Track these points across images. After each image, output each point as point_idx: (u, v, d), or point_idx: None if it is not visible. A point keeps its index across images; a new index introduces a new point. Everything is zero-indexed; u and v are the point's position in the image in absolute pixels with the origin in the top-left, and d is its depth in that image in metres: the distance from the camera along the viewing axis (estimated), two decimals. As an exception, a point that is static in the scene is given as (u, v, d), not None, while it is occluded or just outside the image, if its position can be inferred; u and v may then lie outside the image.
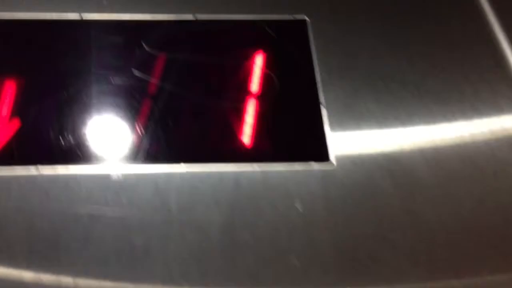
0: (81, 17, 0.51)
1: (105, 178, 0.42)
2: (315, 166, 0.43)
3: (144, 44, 0.50)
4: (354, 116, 0.46)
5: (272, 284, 0.38)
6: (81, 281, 0.37)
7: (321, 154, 0.43)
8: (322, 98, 0.47)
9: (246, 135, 0.45)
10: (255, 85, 0.49)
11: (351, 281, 0.39)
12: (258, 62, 0.50)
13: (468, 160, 0.45)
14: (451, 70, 0.51)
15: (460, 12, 0.56)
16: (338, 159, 0.43)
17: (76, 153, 0.43)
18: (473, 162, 0.45)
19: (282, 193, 0.42)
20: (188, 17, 0.52)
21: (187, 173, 0.42)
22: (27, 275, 0.37)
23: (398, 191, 0.43)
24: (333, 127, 0.45)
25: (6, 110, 0.45)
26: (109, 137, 0.44)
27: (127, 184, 0.42)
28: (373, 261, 0.40)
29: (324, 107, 0.46)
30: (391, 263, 0.40)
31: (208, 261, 0.38)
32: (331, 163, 0.43)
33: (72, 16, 0.51)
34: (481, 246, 0.41)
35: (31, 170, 0.41)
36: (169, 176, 0.42)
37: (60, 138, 0.43)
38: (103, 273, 0.37)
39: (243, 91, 0.48)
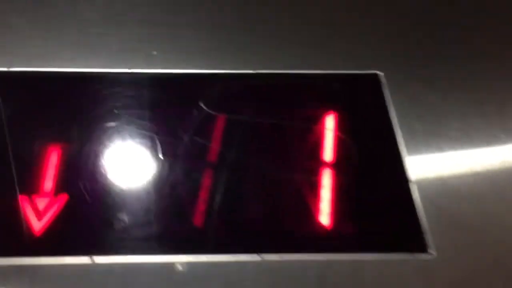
0: (130, 69, 0.46)
1: (167, 269, 0.36)
2: (411, 257, 0.36)
3: (201, 104, 0.44)
4: (447, 192, 0.40)
5: None
6: None
7: (418, 242, 0.37)
8: (408, 171, 0.41)
9: (325, 215, 0.39)
10: (328, 152, 0.43)
11: None
12: (330, 124, 0.44)
13: None
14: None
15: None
16: (439, 248, 0.37)
17: (133, 239, 0.37)
18: None
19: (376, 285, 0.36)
20: (248, 71, 0.47)
21: (262, 263, 0.36)
22: None
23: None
24: (426, 207, 0.39)
25: (50, 183, 0.40)
26: (167, 219, 0.38)
27: (193, 276, 0.36)
28: None
29: (412, 183, 0.40)
30: None
31: None
32: (431, 253, 0.37)
33: (119, 69, 0.46)
34: None
35: (84, 260, 0.36)
36: (242, 266, 0.36)
37: (114, 220, 0.38)
38: None
39: (315, 159, 0.42)
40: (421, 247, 0.37)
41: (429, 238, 0.37)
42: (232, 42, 0.49)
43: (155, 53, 0.48)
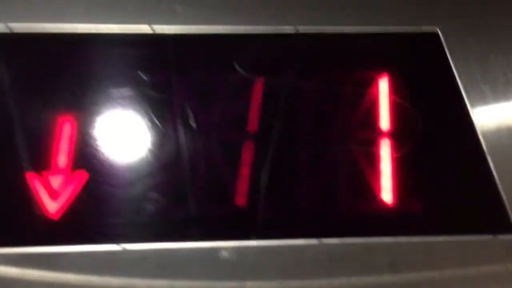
0: (153, 30, 0.40)
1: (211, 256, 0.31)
2: (494, 238, 0.31)
3: (236, 66, 0.38)
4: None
5: None
6: None
7: (501, 222, 0.32)
8: (482, 140, 0.35)
9: (387, 191, 0.34)
10: (385, 119, 0.37)
11: None
12: (384, 87, 0.39)
13: None
14: None
15: None
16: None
17: (167, 223, 0.31)
18: None
19: (454, 274, 0.30)
20: (289, 29, 0.41)
21: (321, 247, 0.31)
22: None
23: None
24: (505, 181, 0.33)
25: (65, 159, 0.34)
26: (206, 199, 0.33)
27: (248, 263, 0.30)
28: None
29: (488, 155, 0.35)
30: None
31: None
32: (516, 234, 0.32)
33: (143, 28, 0.40)
34: None
35: (113, 248, 0.30)
36: (296, 252, 0.31)
37: (144, 202, 0.32)
38: None
39: (371, 128, 0.37)
40: (505, 227, 0.31)
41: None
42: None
43: (178, 7, 0.41)
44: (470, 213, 0.33)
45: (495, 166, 0.34)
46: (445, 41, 0.41)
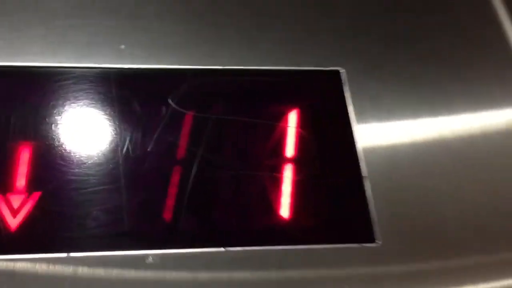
0: (98, 64, 0.47)
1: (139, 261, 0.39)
2: (360, 246, 0.41)
3: (170, 101, 0.46)
4: (397, 184, 0.44)
5: None
6: None
7: (367, 234, 0.41)
8: (362, 166, 0.44)
9: (285, 208, 0.43)
10: (290, 148, 0.46)
11: None
12: (292, 120, 0.47)
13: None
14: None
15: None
16: (385, 237, 0.41)
17: (105, 236, 0.39)
18: None
19: (328, 275, 0.40)
20: (216, 67, 0.48)
21: (227, 254, 0.40)
22: None
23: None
24: (377, 200, 0.43)
25: (23, 181, 0.42)
26: (138, 215, 0.41)
27: (163, 269, 0.39)
28: None
29: (366, 177, 0.44)
30: None
31: None
32: (378, 243, 0.41)
33: (85, 63, 0.47)
34: None
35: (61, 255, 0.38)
36: (209, 259, 0.39)
37: (87, 217, 0.40)
38: None
39: (278, 155, 0.45)
40: (369, 239, 0.41)
41: (377, 229, 0.41)
42: (201, 37, 0.50)
43: (123, 47, 0.49)
44: (346, 226, 0.42)
45: (372, 187, 0.43)
46: (346, 79, 0.50)
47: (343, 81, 0.49)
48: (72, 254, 0.38)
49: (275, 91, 0.49)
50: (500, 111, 0.50)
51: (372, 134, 0.47)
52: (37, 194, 0.41)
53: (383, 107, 0.48)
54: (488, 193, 0.45)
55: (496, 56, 0.54)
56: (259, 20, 0.52)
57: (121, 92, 0.46)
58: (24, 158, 0.42)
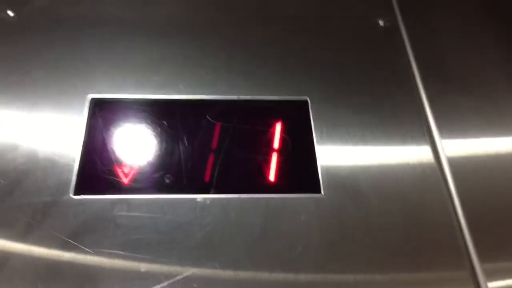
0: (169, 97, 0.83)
1: (193, 200, 0.73)
2: (312, 196, 0.74)
3: (207, 116, 0.81)
4: (339, 161, 0.78)
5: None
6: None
7: (315, 188, 0.75)
8: (316, 152, 0.78)
9: (272, 175, 0.77)
10: (276, 143, 0.80)
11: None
12: (278, 128, 0.82)
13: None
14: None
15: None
16: (325, 191, 0.75)
17: (177, 185, 0.74)
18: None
19: (293, 211, 0.73)
20: (234, 97, 0.84)
21: (238, 199, 0.74)
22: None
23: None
24: (322, 170, 0.77)
25: (129, 160, 0.77)
26: (194, 174, 0.76)
27: (207, 205, 0.73)
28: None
29: (317, 157, 0.78)
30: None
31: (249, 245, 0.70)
32: (321, 194, 0.75)
33: (160, 96, 0.83)
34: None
35: (151, 196, 0.73)
36: (228, 200, 0.73)
37: (164, 180, 0.75)
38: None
39: (270, 147, 0.80)
40: (316, 190, 0.74)
41: (322, 185, 0.75)
42: (216, 74, 0.86)
43: (181, 86, 0.84)
44: (303, 184, 0.76)
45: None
46: (311, 105, 0.84)
47: (309, 107, 0.84)
48: (155, 196, 0.73)
49: (266, 111, 0.83)
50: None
51: (330, 151, 0.81)
52: (136, 168, 0.76)
53: (342, 130, 0.82)
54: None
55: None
56: (253, 57, 0.87)
57: (182, 115, 0.82)
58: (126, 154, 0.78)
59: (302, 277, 0.68)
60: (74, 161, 0.75)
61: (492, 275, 0.69)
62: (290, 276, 0.68)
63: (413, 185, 0.78)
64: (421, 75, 0.90)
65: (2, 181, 0.72)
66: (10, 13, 0.91)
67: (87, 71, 0.85)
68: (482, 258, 0.70)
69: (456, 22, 0.99)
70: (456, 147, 0.82)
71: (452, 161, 0.80)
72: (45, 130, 0.78)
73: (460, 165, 0.80)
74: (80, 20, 0.92)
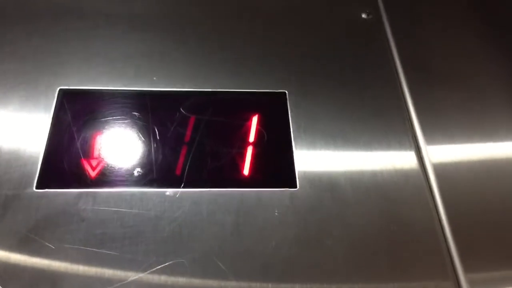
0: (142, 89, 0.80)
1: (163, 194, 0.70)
2: (287, 190, 0.71)
3: (181, 109, 0.78)
4: (317, 156, 0.75)
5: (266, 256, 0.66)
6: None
7: (291, 182, 0.72)
8: (293, 146, 0.75)
9: (246, 169, 0.74)
10: (252, 137, 0.77)
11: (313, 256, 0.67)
12: (254, 121, 0.79)
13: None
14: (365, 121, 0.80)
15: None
16: (301, 185, 0.72)
17: (146, 179, 0.71)
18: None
19: (268, 206, 0.70)
20: (209, 90, 0.81)
21: (210, 193, 0.70)
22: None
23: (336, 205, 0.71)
24: (300, 167, 0.74)
25: (97, 153, 0.74)
26: (164, 168, 0.72)
27: (178, 199, 0.70)
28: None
29: (294, 151, 0.75)
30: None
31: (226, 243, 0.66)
32: (297, 188, 0.71)
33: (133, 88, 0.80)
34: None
35: (118, 190, 0.69)
36: (200, 194, 0.70)
37: (133, 174, 0.71)
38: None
39: (244, 141, 0.77)
40: (292, 185, 0.71)
41: (297, 180, 0.71)
42: (198, 67, 0.83)
43: (155, 78, 0.82)
44: (277, 178, 0.72)
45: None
46: (289, 98, 0.81)
47: (287, 99, 0.81)
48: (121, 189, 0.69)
49: (243, 103, 0.81)
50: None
51: (303, 136, 0.78)
52: (103, 161, 0.72)
53: (317, 125, 0.79)
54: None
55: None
56: (231, 51, 0.85)
57: (154, 106, 0.79)
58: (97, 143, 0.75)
59: (275, 273, 0.64)
60: (39, 154, 0.72)
61: (477, 285, 0.66)
62: (262, 272, 0.64)
63: (394, 183, 0.75)
64: (404, 69, 0.88)
65: (-39, 174, 0.69)
66: (-18, 4, 0.89)
67: (60, 64, 0.83)
68: (466, 267, 0.67)
69: (440, 15, 0.97)
70: (440, 146, 0.80)
71: (431, 150, 0.77)
72: (11, 123, 0.75)
73: (443, 166, 0.77)
74: (57, 11, 0.89)
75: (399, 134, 0.80)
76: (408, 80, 0.86)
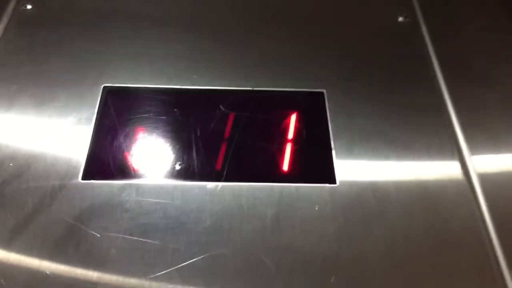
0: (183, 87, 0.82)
1: (204, 187, 0.71)
2: (327, 186, 0.71)
3: (221, 106, 0.80)
4: (355, 154, 0.75)
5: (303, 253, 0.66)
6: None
7: (330, 178, 0.72)
8: (332, 143, 0.76)
9: (286, 165, 0.74)
10: (291, 134, 0.78)
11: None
12: (293, 119, 0.79)
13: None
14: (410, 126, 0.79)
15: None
16: (340, 181, 0.72)
17: (187, 173, 0.72)
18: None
19: (307, 200, 0.70)
20: (248, 88, 0.82)
21: (250, 187, 0.71)
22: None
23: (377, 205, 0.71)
24: (339, 164, 0.74)
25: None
26: (205, 162, 0.73)
27: (219, 192, 0.70)
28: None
29: (333, 150, 0.75)
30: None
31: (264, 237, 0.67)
32: (336, 184, 0.71)
33: (174, 86, 0.82)
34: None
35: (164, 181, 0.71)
36: (240, 188, 0.71)
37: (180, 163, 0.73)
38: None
39: (284, 137, 0.77)
40: (332, 181, 0.71)
41: (337, 176, 0.71)
42: (235, 66, 0.84)
43: (195, 76, 0.83)
44: (317, 174, 0.73)
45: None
46: (327, 98, 0.82)
47: (325, 99, 0.81)
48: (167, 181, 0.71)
49: (283, 102, 0.82)
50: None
51: (342, 134, 0.78)
52: (147, 155, 0.74)
53: (356, 122, 0.79)
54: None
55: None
56: (270, 51, 0.86)
57: (194, 103, 0.80)
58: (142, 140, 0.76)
59: (314, 267, 0.64)
60: (84, 147, 0.74)
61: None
62: (301, 266, 0.64)
63: (436, 180, 0.74)
64: (442, 69, 0.87)
65: (10, 164, 0.71)
66: (29, 6, 0.93)
67: (104, 63, 0.85)
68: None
69: (476, 16, 0.96)
70: (480, 145, 0.78)
71: (473, 150, 0.76)
72: (58, 118, 0.78)
73: (484, 165, 0.76)
74: (98, 14, 0.93)
75: (439, 134, 0.79)
76: (447, 81, 0.86)
